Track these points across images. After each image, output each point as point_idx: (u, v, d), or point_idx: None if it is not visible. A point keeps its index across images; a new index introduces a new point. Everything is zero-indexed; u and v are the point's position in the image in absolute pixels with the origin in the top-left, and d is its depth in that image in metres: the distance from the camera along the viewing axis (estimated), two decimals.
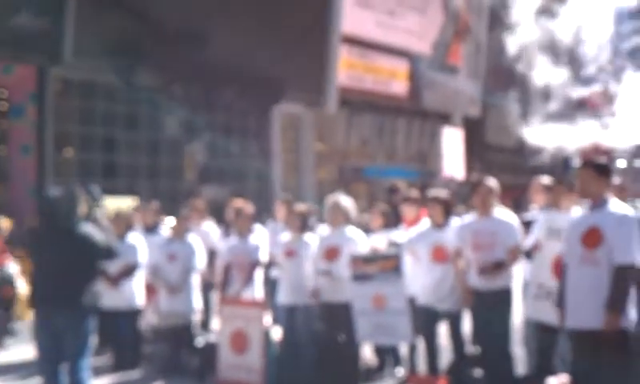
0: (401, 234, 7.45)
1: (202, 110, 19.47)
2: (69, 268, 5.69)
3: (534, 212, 7.20)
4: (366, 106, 25.08)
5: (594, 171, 5.04)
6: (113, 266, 7.83)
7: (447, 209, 6.83)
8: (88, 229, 5.81)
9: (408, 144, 27.48)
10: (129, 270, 8.04)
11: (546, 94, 34.87)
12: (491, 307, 6.31)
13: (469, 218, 6.67)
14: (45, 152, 16.54)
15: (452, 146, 27.51)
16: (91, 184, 6.39)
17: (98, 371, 7.56)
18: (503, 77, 32.30)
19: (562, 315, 5.10)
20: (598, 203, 4.97)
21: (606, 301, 4.70)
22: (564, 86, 35.70)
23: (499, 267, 6.28)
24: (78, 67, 16.48)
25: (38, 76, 16.48)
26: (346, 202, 7.41)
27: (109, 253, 5.96)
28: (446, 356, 6.96)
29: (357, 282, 6.79)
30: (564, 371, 5.77)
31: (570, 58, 37.20)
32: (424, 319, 6.76)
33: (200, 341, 7.92)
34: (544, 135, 34.95)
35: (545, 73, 34.48)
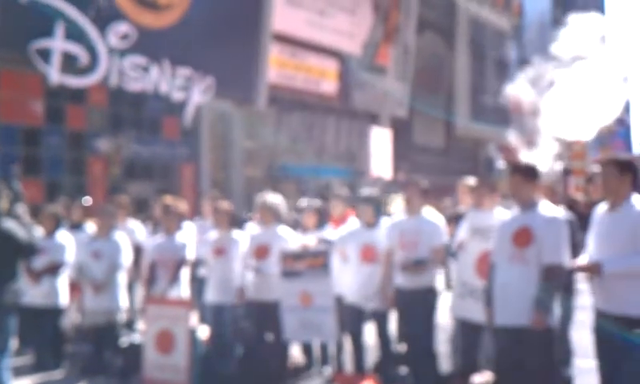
0: (331, 233, 7.49)
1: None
2: None
3: (461, 211, 7.31)
4: (296, 105, 25.09)
5: (523, 176, 5.20)
6: (38, 262, 7.67)
7: (378, 209, 6.90)
8: (9, 225, 5.64)
9: (337, 143, 27.62)
10: (53, 268, 7.89)
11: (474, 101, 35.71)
12: (415, 306, 6.40)
13: (398, 217, 6.75)
14: None
15: (380, 146, 27.80)
16: (13, 179, 6.21)
17: (19, 371, 7.36)
18: (430, 79, 32.89)
19: (490, 314, 5.22)
20: (529, 205, 5.12)
21: (534, 299, 4.85)
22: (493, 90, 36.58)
23: (420, 266, 6.37)
24: (0, 57, 15.96)
25: None
26: (276, 200, 7.40)
27: (30, 249, 5.80)
28: (372, 355, 7.03)
29: (285, 278, 6.80)
30: (488, 369, 5.90)
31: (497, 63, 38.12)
32: (351, 318, 6.81)
33: (124, 340, 7.78)
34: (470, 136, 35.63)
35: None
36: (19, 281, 5.78)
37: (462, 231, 6.36)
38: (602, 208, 4.95)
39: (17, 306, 5.71)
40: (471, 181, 7.44)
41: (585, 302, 6.44)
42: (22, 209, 5.98)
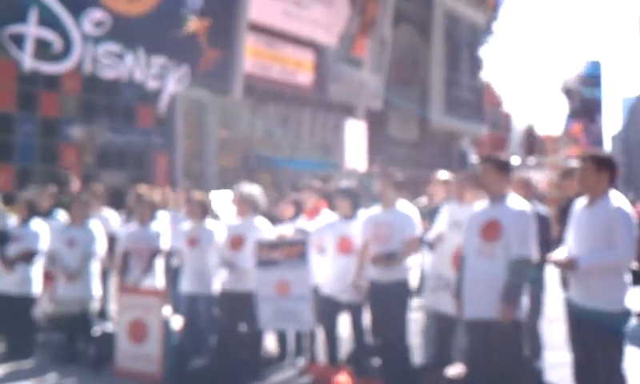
0: (308, 224, 7.49)
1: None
2: None
3: (435, 204, 7.36)
4: (272, 95, 25.04)
5: (495, 167, 5.22)
6: (12, 250, 7.60)
7: (355, 201, 6.91)
8: None
9: (312, 134, 27.62)
10: (27, 256, 7.80)
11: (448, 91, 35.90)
12: (388, 298, 6.42)
13: (374, 210, 6.76)
14: None
15: (355, 138, 27.86)
16: None
17: None
18: (406, 72, 32.99)
19: (459, 305, 5.27)
20: (498, 198, 5.16)
21: (502, 293, 4.89)
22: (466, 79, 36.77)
23: (391, 259, 6.39)
24: None
25: None
26: (254, 191, 7.38)
27: (1, 237, 5.72)
28: (345, 346, 7.06)
29: (261, 267, 6.79)
30: (461, 361, 5.96)
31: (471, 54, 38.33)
32: (326, 309, 6.82)
33: (97, 330, 7.74)
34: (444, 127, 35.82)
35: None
36: None
37: (440, 224, 6.39)
38: (580, 203, 5.01)
39: None
40: (444, 174, 7.47)
41: (554, 295, 6.55)
42: None
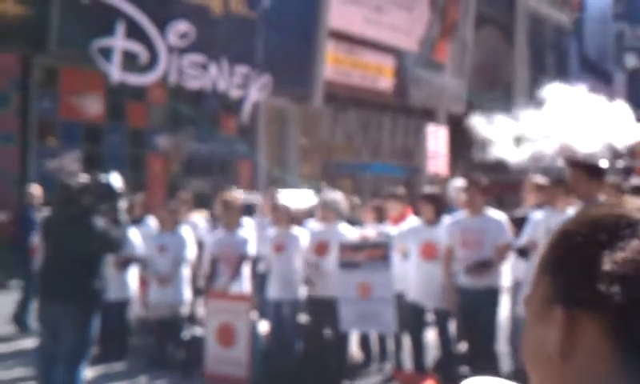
0: (390, 229, 7.47)
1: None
2: (74, 258, 5.50)
3: (526, 209, 7.21)
4: (352, 102, 25.06)
5: (584, 172, 5.04)
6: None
7: (439, 206, 6.84)
8: (96, 219, 5.62)
9: (393, 140, 27.50)
10: (124, 262, 7.95)
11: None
12: (478, 306, 6.32)
13: (459, 215, 6.68)
14: (28, 141, 16.41)
15: (436, 142, 27.56)
16: (114, 173, 6.30)
17: None
18: (489, 74, 32.47)
19: None
20: (591, 204, 4.98)
21: None
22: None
23: (485, 266, 6.28)
24: (63, 56, 16.35)
25: (22, 64, 16.34)
26: (337, 198, 7.42)
27: (115, 245, 5.76)
28: (432, 353, 6.99)
29: (344, 269, 6.81)
30: None
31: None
32: (412, 315, 6.77)
33: (186, 334, 7.89)
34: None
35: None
36: (103, 278, 5.75)
37: (533, 231, 6.20)
38: None
39: (100, 303, 5.73)
40: (538, 178, 7.30)
41: None
42: (119, 204, 6.05)
